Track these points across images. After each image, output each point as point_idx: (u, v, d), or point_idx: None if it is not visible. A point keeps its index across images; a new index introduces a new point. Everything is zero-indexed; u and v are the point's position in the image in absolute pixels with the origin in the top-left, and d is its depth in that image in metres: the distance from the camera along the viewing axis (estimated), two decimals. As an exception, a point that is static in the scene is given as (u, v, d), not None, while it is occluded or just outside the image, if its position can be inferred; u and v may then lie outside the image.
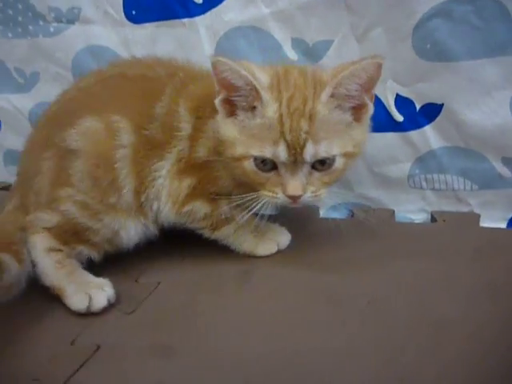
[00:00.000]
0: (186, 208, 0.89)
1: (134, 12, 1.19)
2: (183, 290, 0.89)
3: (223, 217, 0.90)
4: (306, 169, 0.76)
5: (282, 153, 0.74)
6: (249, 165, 0.78)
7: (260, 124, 0.75)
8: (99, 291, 0.80)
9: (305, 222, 1.11)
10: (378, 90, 0.99)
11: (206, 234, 0.94)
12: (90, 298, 0.78)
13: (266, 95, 0.75)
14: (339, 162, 0.78)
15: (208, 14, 1.09)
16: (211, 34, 1.09)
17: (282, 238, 0.97)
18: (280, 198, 0.78)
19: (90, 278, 0.84)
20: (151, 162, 0.87)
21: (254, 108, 0.76)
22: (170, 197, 0.88)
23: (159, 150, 0.87)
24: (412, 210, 1.18)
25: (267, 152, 0.75)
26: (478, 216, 1.10)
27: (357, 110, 0.79)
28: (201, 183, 0.88)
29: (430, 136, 1.09)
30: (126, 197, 0.86)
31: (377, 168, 1.15)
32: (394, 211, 1.16)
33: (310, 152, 0.75)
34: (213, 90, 0.79)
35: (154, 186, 0.88)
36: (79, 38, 1.24)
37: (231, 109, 0.78)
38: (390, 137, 1.11)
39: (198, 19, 1.09)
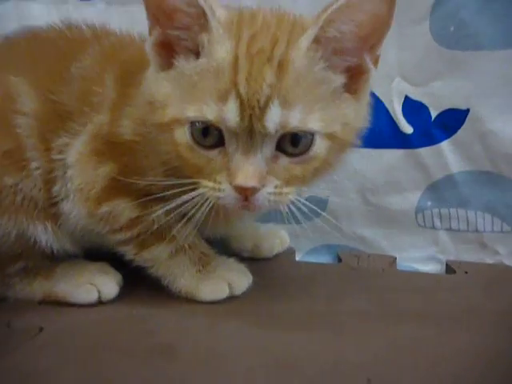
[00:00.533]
0: (103, 208, 0.71)
1: (82, -13, 1.05)
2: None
3: (155, 227, 0.71)
4: (267, 147, 0.58)
5: (230, 113, 0.56)
6: (182, 135, 0.60)
7: (204, 69, 0.58)
8: None
9: (275, 264, 0.93)
10: (380, 90, 0.89)
11: (130, 253, 0.75)
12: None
13: (216, 26, 0.58)
14: (320, 146, 0.59)
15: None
16: None
17: (238, 278, 0.77)
18: (224, 191, 0.59)
19: None
20: (60, 138, 0.72)
21: (198, 50, 0.60)
22: (80, 191, 0.71)
23: (70, 122, 0.72)
24: (420, 258, 0.99)
25: (209, 111, 0.57)
26: (511, 269, 0.93)
27: (353, 76, 0.61)
28: (124, 173, 0.69)
29: (447, 155, 0.93)
30: (32, 181, 0.71)
31: (374, 197, 0.98)
32: (395, 258, 0.98)
33: (274, 117, 0.56)
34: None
35: (65, 175, 0.72)
36: (12, 17, 1.09)
37: (167, 57, 0.62)
38: (394, 155, 0.95)
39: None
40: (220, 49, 0.58)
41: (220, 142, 0.59)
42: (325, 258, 1.02)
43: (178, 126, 0.60)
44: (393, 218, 0.99)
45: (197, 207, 0.62)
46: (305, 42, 0.58)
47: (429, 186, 0.96)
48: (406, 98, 0.92)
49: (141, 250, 0.74)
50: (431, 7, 0.85)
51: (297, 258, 1.00)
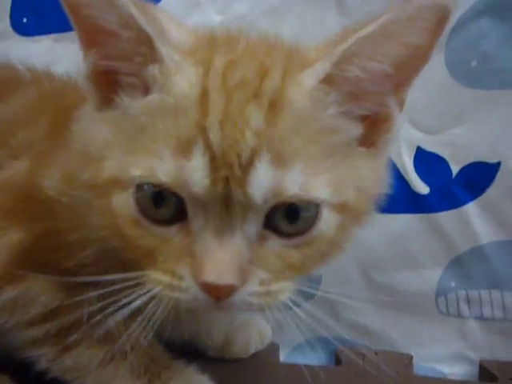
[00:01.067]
0: (7, 293, 0.59)
1: (25, 20, 1.01)
2: None
3: (84, 321, 0.58)
4: (251, 224, 0.45)
5: (196, 173, 0.43)
6: (124, 203, 0.47)
7: (156, 108, 0.46)
8: None
9: (251, 368, 0.80)
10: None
11: (44, 358, 0.61)
12: None
13: (169, 53, 0.47)
14: (328, 221, 0.46)
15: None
16: None
17: None
18: (187, 290, 0.45)
19: None
20: None
21: (146, 84, 0.48)
22: None
23: None
24: (444, 356, 0.87)
25: (163, 169, 0.44)
26: None
27: (371, 124, 0.50)
28: (40, 246, 0.58)
29: (474, 221, 0.83)
30: None
31: (381, 276, 0.88)
32: (411, 357, 0.86)
33: (263, 180, 0.43)
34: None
35: None
36: None
37: (108, 91, 0.50)
38: (406, 221, 0.86)
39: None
40: (180, 80, 0.45)
41: (180, 215, 0.45)
42: (318, 358, 0.89)
43: (117, 189, 0.46)
44: (406, 304, 0.88)
45: (148, 306, 0.49)
46: (310, 79, 0.46)
47: (452, 260, 0.86)
48: (419, 149, 0.84)
49: (61, 355, 0.60)
50: (447, 35, 0.78)
51: (281, 358, 0.87)
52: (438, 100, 0.81)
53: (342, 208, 0.47)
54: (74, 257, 0.56)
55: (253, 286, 0.45)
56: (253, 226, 0.44)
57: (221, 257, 0.43)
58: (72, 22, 0.48)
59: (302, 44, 0.53)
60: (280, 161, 0.43)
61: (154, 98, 0.46)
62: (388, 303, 0.87)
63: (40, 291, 0.59)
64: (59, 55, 0.94)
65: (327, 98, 0.47)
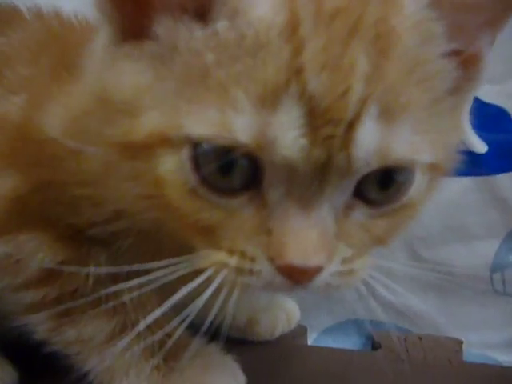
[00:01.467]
0: (0, 246, 0.52)
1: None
2: None
3: (90, 285, 0.51)
4: (341, 194, 0.38)
5: (289, 130, 0.34)
6: (175, 169, 0.38)
7: (225, 43, 0.36)
8: None
9: (276, 351, 0.74)
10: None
11: (44, 327, 0.55)
12: None
13: None
14: (420, 185, 0.40)
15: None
16: None
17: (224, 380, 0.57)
18: (261, 274, 0.38)
19: None
20: None
21: (206, 7, 0.38)
22: None
23: None
24: (499, 342, 0.82)
25: (241, 125, 0.35)
26: None
27: (462, 66, 0.43)
28: (41, 195, 0.51)
29: None
30: None
31: (427, 250, 0.82)
32: (461, 343, 0.78)
33: (371, 140, 0.36)
34: None
35: None
36: None
37: (137, 17, 0.39)
38: (459, 186, 0.80)
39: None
40: (259, 2, 0.37)
41: (251, 183, 0.38)
42: (351, 342, 0.84)
43: (164, 149, 0.38)
44: (456, 282, 0.80)
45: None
46: (415, 1, 0.40)
47: (511, 231, 0.81)
48: (476, 100, 0.73)
49: (62, 324, 0.55)
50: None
51: (309, 341, 0.83)
52: (503, 43, 0.73)
53: (432, 168, 0.42)
54: (82, 213, 0.50)
55: (337, 266, 0.39)
56: (343, 195, 0.39)
57: (308, 234, 0.37)
58: None
59: None
60: (389, 115, 0.37)
61: (222, 27, 0.37)
62: (434, 282, 0.79)
63: (38, 247, 0.53)
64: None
65: (436, 30, 0.40)
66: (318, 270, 0.38)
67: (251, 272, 0.39)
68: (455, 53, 0.42)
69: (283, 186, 0.37)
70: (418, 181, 0.41)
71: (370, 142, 0.36)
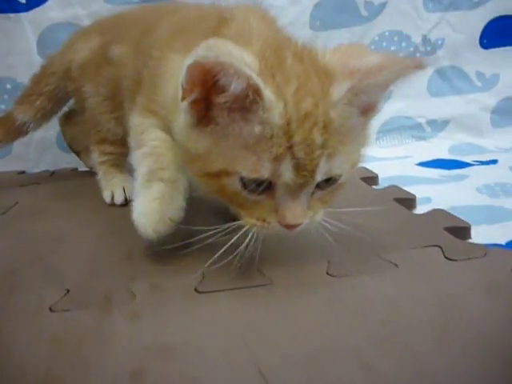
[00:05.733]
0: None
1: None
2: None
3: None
4: (309, 189, 0.65)
5: (286, 172, 0.61)
6: (232, 183, 0.64)
7: (255, 133, 0.60)
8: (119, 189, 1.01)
9: None
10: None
11: None
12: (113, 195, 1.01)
13: (269, 95, 0.58)
14: (345, 176, 0.67)
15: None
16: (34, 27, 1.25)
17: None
18: (273, 227, 0.66)
19: (117, 176, 1.04)
20: None
21: (244, 109, 0.60)
22: None
23: None
24: None
25: (264, 170, 0.61)
26: None
27: (365, 112, 0.66)
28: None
29: None
30: None
31: None
32: None
33: (322, 171, 0.62)
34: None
35: None
36: None
37: (203, 112, 0.63)
38: None
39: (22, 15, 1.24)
40: (273, 114, 0.58)
41: (268, 189, 0.63)
42: None
43: (226, 175, 0.63)
44: None
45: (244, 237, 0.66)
46: (339, 100, 0.60)
47: None
48: None
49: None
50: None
51: None
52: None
53: (353, 165, 0.67)
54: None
55: (308, 220, 0.66)
56: (311, 190, 0.64)
57: (295, 210, 0.63)
58: (188, 80, 0.59)
59: (309, 47, 0.64)
60: (331, 157, 0.61)
61: (252, 128, 0.59)
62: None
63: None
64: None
65: (353, 103, 0.61)
66: (300, 224, 0.64)
67: (268, 228, 0.65)
68: (362, 108, 0.63)
69: (283, 191, 0.62)
70: (345, 175, 0.65)
71: (322, 171, 0.61)
